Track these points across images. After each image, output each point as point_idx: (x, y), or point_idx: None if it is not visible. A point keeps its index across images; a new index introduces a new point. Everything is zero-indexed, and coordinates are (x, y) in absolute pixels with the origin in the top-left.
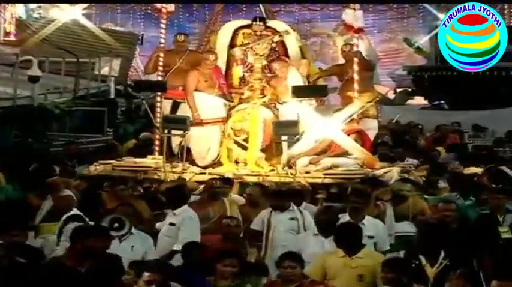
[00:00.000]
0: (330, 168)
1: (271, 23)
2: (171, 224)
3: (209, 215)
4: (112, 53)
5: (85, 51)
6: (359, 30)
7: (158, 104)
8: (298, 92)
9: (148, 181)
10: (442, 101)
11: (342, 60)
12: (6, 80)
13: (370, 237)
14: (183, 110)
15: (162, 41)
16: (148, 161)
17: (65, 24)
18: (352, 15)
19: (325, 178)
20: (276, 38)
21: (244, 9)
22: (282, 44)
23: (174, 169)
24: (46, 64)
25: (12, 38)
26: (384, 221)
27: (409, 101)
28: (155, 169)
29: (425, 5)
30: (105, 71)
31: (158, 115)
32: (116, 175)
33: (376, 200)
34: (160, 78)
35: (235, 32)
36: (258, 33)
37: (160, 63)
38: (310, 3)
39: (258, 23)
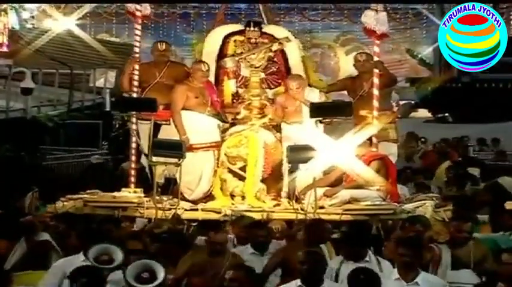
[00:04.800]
0: (349, 202)
1: (268, 28)
2: None
3: None
4: (107, 65)
5: (79, 62)
6: (383, 36)
7: (134, 127)
8: (318, 110)
9: (128, 219)
10: (446, 114)
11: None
12: None
13: None
14: (165, 134)
15: (137, 50)
16: (130, 195)
17: (59, 35)
18: (374, 18)
19: (343, 214)
20: (275, 47)
21: (243, 19)
22: (282, 53)
23: (159, 205)
24: (39, 76)
25: (4, 49)
26: (436, 268)
27: (413, 114)
28: (138, 204)
29: (429, 15)
30: (100, 82)
31: (133, 139)
32: (89, 213)
33: (429, 242)
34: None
35: (226, 39)
36: (253, 40)
37: (135, 78)
38: (317, 3)
39: (252, 28)
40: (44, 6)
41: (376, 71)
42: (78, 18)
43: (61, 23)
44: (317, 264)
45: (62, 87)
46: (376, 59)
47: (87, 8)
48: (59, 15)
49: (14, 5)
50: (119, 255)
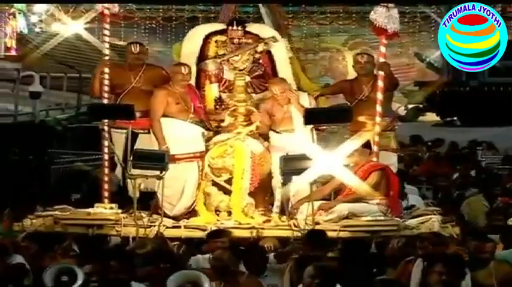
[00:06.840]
0: (347, 217)
1: (253, 27)
2: None
3: None
4: None
5: (88, 66)
6: (394, 35)
7: (107, 136)
8: (314, 117)
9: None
10: (455, 118)
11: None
12: (7, 96)
13: None
14: (143, 143)
15: (107, 52)
16: (106, 211)
17: (67, 38)
18: (385, 15)
19: (341, 230)
20: (260, 47)
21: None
22: (268, 54)
23: (138, 222)
24: (48, 80)
25: (13, 53)
26: None
27: (421, 118)
28: (115, 222)
29: (437, 18)
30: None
31: (105, 150)
32: (61, 231)
33: None
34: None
35: (206, 39)
36: (236, 40)
37: (106, 82)
38: (325, 3)
39: (235, 27)
40: (53, 10)
41: (381, 73)
42: (87, 22)
43: (69, 27)
44: (329, 278)
45: (70, 91)
46: (381, 60)
47: (95, 12)
48: (67, 19)
49: (22, 8)
50: None
